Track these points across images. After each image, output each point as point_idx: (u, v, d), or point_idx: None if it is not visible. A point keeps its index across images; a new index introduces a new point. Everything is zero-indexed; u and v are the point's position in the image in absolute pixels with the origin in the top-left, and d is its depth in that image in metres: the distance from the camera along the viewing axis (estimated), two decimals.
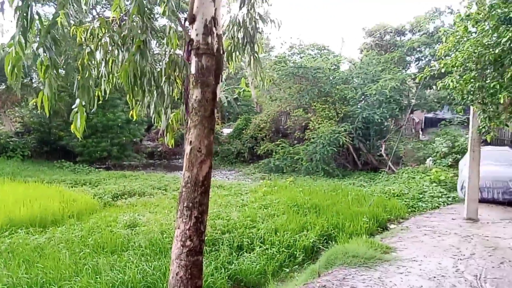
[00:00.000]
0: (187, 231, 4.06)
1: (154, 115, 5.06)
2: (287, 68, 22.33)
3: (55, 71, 3.30)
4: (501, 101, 8.62)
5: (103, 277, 6.24)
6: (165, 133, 5.32)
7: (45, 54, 3.17)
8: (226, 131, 28.03)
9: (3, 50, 18.89)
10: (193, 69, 4.18)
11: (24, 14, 3.04)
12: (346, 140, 19.75)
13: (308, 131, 21.31)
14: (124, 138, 23.52)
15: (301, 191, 13.19)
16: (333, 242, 8.68)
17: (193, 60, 4.20)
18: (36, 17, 3.14)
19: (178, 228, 4.12)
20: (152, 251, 7.57)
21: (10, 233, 8.64)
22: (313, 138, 20.19)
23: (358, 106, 20.80)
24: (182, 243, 4.06)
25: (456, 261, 7.36)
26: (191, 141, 4.12)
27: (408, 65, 27.58)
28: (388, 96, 20.09)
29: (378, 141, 21.37)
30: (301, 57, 25.69)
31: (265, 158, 22.32)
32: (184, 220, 4.09)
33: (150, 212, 10.73)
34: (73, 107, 3.77)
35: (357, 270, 6.71)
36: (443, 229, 9.71)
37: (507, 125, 10.11)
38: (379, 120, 20.35)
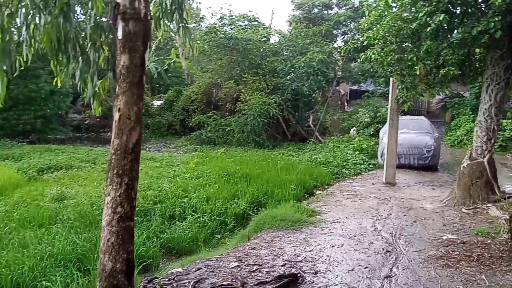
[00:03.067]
0: (118, 198, 4.08)
1: (79, 83, 4.93)
2: (218, 39, 22.16)
3: None
4: (417, 73, 9.27)
5: (31, 251, 6.07)
6: (92, 101, 5.21)
7: None
8: (157, 103, 27.38)
9: None
10: (120, 34, 4.11)
11: None
12: (276, 112, 20.21)
13: (239, 103, 21.49)
14: (48, 111, 22.15)
15: (232, 161, 13.42)
16: (263, 209, 9.03)
17: (120, 25, 4.13)
18: None
19: (109, 195, 4.12)
20: (82, 223, 7.44)
21: None
22: (244, 110, 20.42)
23: (288, 78, 21.24)
24: (113, 209, 4.08)
25: (375, 221, 8.01)
26: (119, 108, 4.09)
27: (335, 38, 28.49)
28: (315, 69, 20.71)
29: (306, 113, 22.09)
30: (231, 28, 25.56)
31: (196, 130, 22.21)
32: (114, 187, 4.09)
33: (78, 185, 10.44)
34: None
35: (284, 233, 7.10)
36: (364, 193, 10.43)
37: (422, 95, 10.93)
38: (307, 92, 20.98)
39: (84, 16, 5.31)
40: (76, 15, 5.99)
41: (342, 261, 5.90)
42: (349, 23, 27.61)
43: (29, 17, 4.03)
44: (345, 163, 14.10)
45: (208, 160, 14.07)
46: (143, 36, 4.21)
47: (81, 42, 4.58)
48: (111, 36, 4.42)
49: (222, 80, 23.22)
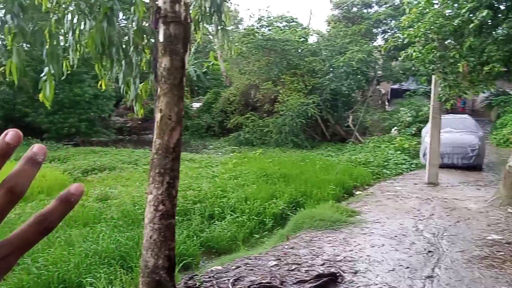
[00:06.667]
0: (160, 196, 4.19)
1: (122, 86, 5.10)
2: (256, 40, 22.29)
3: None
4: (460, 70, 9.00)
5: (76, 248, 6.31)
6: (134, 103, 5.37)
7: (13, 21, 3.17)
8: (196, 105, 27.86)
9: None
10: (161, 37, 4.23)
11: None
12: (314, 112, 20.09)
13: (277, 103, 21.50)
14: (92, 114, 23.08)
15: (270, 162, 13.45)
16: (301, 209, 8.99)
17: (161, 28, 4.25)
18: None
19: (151, 193, 4.24)
20: (124, 222, 7.65)
21: None
22: (282, 110, 20.42)
23: (326, 78, 21.07)
24: (155, 207, 4.19)
25: (417, 221, 7.82)
26: (161, 109, 4.20)
27: (375, 37, 28.02)
28: (355, 68, 20.45)
29: (346, 113, 21.84)
30: (269, 30, 25.63)
31: (235, 131, 22.43)
32: (156, 185, 4.21)
33: (121, 186, 10.76)
34: (41, 75, 3.79)
35: (323, 232, 7.05)
36: (406, 193, 10.21)
37: (465, 93, 10.57)
38: (347, 92, 20.75)
39: (126, 21, 5.48)
40: (118, 20, 6.21)
41: (383, 261, 5.80)
42: (389, 21, 27.09)
43: (75, 22, 4.21)
44: (386, 163, 13.85)
45: (247, 161, 14.16)
46: (183, 39, 4.31)
47: (124, 46, 4.74)
48: (153, 40, 4.56)
49: (260, 81, 23.32)
